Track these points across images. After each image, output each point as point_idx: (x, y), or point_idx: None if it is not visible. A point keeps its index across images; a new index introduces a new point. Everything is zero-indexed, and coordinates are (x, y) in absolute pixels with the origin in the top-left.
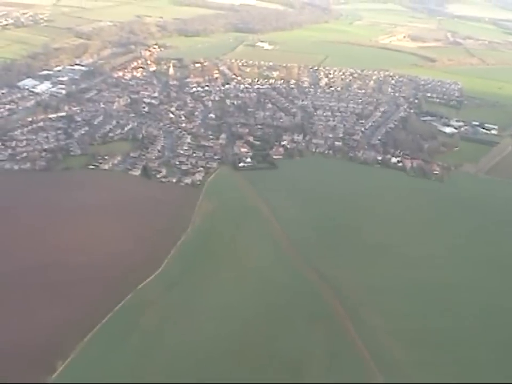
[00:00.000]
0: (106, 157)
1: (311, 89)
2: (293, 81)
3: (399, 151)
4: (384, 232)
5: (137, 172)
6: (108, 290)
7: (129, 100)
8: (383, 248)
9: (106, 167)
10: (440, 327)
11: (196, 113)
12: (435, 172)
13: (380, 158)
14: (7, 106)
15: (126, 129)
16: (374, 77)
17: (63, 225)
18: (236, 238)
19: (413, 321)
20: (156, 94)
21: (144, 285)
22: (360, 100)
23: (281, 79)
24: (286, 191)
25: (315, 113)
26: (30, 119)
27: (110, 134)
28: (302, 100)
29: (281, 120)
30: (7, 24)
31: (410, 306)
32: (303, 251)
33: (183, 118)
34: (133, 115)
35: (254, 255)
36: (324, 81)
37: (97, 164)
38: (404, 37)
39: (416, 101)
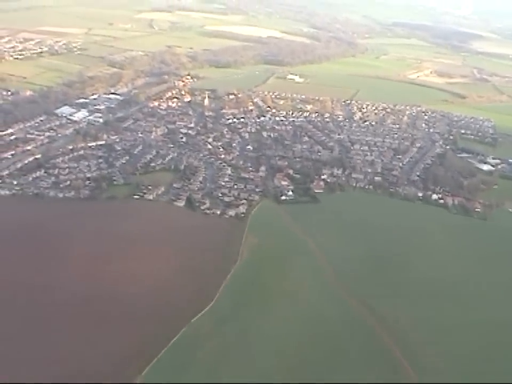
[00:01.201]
0: (150, 187)
1: (346, 123)
2: (327, 115)
3: (439, 187)
4: (432, 268)
5: (181, 203)
6: (163, 323)
7: (166, 130)
8: (432, 284)
9: (151, 197)
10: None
11: (234, 144)
12: (477, 210)
13: (420, 194)
14: (47, 134)
15: (167, 159)
16: (407, 112)
17: (113, 255)
18: (285, 272)
19: (474, 363)
20: (192, 125)
21: (198, 318)
22: (396, 135)
23: (316, 112)
24: (330, 225)
25: (352, 148)
26: (70, 147)
27: (152, 164)
28: (338, 134)
29: (319, 153)
30: (41, 52)
31: (466, 346)
32: (351, 285)
33: (221, 149)
34: (172, 145)
35: (303, 289)
36: (358, 115)
37: (141, 194)
38: (431, 72)
39: (451, 137)
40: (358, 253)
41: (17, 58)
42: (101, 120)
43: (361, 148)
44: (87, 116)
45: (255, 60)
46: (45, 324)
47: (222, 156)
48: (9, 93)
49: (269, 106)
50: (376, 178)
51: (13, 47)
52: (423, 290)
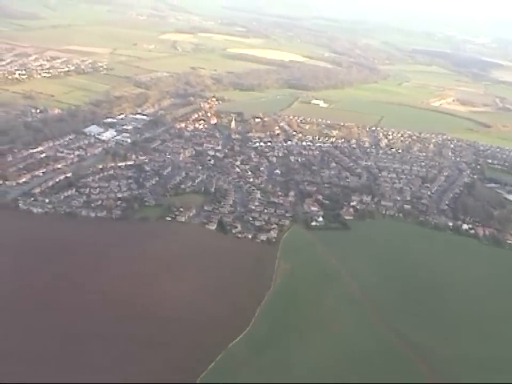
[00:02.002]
0: (181, 209)
1: (372, 150)
2: (353, 141)
3: (469, 217)
4: (468, 301)
5: (213, 226)
6: (199, 347)
7: (194, 152)
8: (468, 317)
9: (183, 219)
10: None
11: (261, 168)
12: (508, 241)
13: (450, 223)
14: (76, 152)
15: (196, 181)
16: (432, 140)
17: (147, 277)
18: (319, 300)
19: None
20: (219, 147)
21: (233, 344)
22: (423, 163)
23: (342, 138)
24: (362, 253)
25: (380, 175)
26: (100, 167)
27: (182, 186)
28: (365, 160)
29: (347, 180)
30: (68, 71)
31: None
32: (386, 315)
33: (249, 173)
34: (200, 167)
35: (338, 318)
36: (384, 142)
37: (173, 216)
38: (453, 100)
39: (478, 166)
40: (392, 282)
41: (45, 76)
42: (128, 140)
43: (389, 175)
44: (115, 136)
45: (279, 84)
46: (79, 344)
47: (251, 180)
48: (38, 110)
49: (295, 131)
50: (405, 206)
51: (40, 65)
52: (460, 322)
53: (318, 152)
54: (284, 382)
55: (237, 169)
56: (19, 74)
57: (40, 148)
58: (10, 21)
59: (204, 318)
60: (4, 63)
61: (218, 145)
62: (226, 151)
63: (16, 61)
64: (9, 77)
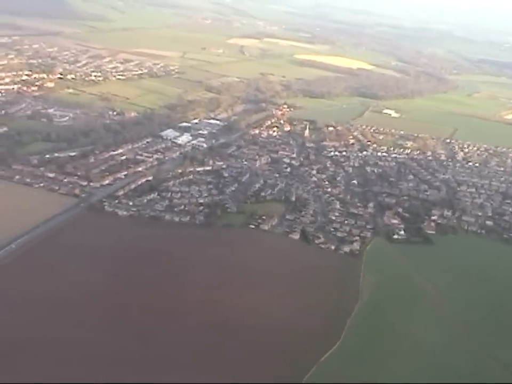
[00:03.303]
0: (263, 217)
1: (449, 163)
2: (429, 153)
3: None
4: None
5: (296, 236)
6: (292, 359)
7: (269, 159)
8: None
9: (266, 228)
10: None
11: (338, 178)
12: None
13: None
14: (155, 156)
15: (276, 189)
16: (510, 155)
17: (235, 285)
18: (408, 315)
19: None
20: (295, 155)
21: (326, 357)
22: (502, 178)
23: (417, 149)
24: (447, 269)
25: (458, 189)
26: (180, 171)
27: (262, 194)
28: (443, 174)
29: (426, 193)
30: (142, 74)
31: None
32: (477, 334)
33: (326, 183)
34: (277, 175)
35: (428, 335)
36: (460, 155)
37: (256, 224)
38: None
39: None
40: (479, 300)
41: (119, 78)
42: (204, 145)
43: (468, 190)
44: (191, 140)
45: (348, 92)
46: (170, 351)
47: (329, 189)
48: (115, 112)
49: (369, 141)
50: (487, 222)
51: (114, 68)
52: None
53: (394, 163)
54: None
55: (314, 178)
56: (95, 76)
57: (120, 150)
58: (81, 22)
59: (294, 329)
60: (79, 64)
61: (293, 153)
62: (302, 159)
63: (91, 63)
64: (86, 79)
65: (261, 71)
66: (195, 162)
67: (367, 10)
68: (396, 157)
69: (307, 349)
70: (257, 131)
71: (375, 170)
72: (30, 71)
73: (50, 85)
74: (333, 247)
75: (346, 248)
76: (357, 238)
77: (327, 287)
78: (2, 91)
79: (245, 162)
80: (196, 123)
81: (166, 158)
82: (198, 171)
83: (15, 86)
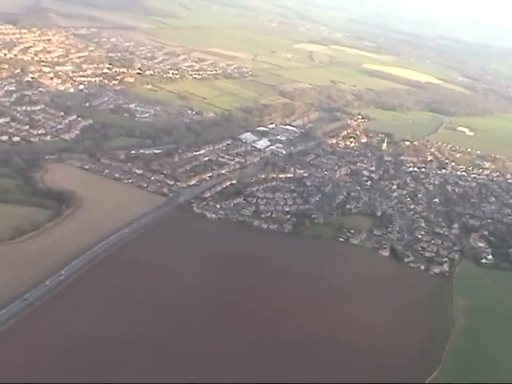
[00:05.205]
0: (352, 231)
1: None
2: (508, 175)
3: None
4: None
5: (386, 253)
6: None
7: (349, 170)
8: None
9: (356, 242)
10: None
11: (419, 195)
12: None
13: None
14: (236, 159)
15: (360, 202)
16: None
17: (328, 299)
18: (506, 343)
19: None
20: (373, 168)
21: (430, 380)
22: None
23: (496, 171)
24: None
25: None
26: (263, 176)
27: (347, 206)
28: None
29: (510, 217)
30: (216, 74)
31: None
32: None
33: (408, 199)
34: (358, 187)
35: None
36: None
37: (346, 237)
38: None
39: None
40: None
41: (195, 77)
42: (283, 151)
43: None
44: (269, 145)
45: (419, 106)
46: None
47: (412, 206)
48: (193, 112)
49: (447, 159)
50: None
51: (190, 66)
52: None
53: (474, 184)
54: None
55: (395, 194)
56: (172, 73)
57: (202, 151)
58: (153, 17)
59: (391, 349)
60: (156, 61)
61: (371, 166)
62: (381, 173)
63: (167, 60)
64: (164, 76)
65: (331, 79)
66: (276, 169)
67: (425, 21)
68: (475, 177)
69: (410, 370)
70: (334, 141)
71: (456, 190)
72: (111, 64)
73: (130, 79)
74: (422, 267)
75: (436, 269)
76: (446, 259)
77: (423, 309)
78: (85, 83)
79: (325, 172)
80: (273, 128)
81: (247, 162)
82: (281, 178)
83: (97, 79)
